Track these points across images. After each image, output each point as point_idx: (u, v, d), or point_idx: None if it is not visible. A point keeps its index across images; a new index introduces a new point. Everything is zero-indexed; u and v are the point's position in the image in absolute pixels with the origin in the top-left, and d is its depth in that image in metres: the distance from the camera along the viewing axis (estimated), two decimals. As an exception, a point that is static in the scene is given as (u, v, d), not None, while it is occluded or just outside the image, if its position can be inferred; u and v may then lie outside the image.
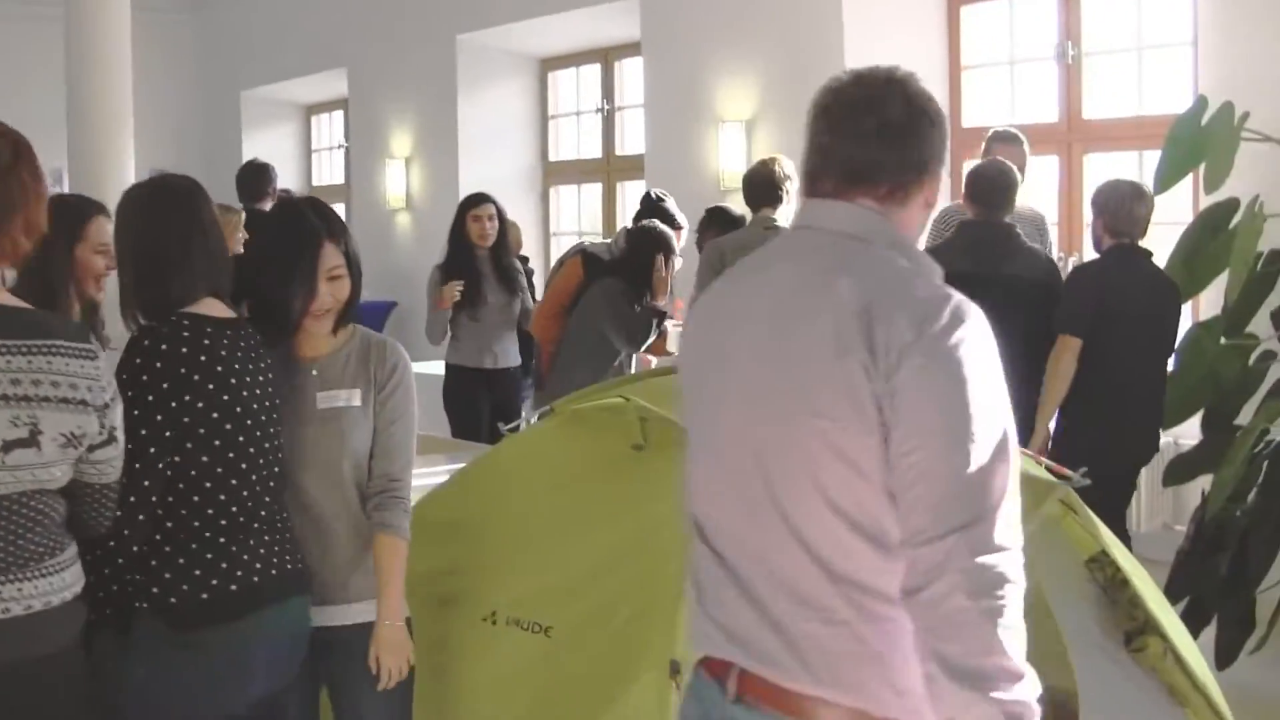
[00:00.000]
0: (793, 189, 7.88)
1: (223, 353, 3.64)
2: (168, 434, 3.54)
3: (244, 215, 8.11)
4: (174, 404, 3.54)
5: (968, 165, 9.56)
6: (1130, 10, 9.08)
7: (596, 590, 4.15)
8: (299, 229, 3.91)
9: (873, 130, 2.66)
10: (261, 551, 3.67)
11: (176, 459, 3.55)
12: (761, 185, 7.86)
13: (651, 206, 8.35)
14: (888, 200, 2.67)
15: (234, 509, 3.64)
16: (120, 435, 3.36)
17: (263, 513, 3.70)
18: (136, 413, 3.49)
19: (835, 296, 2.54)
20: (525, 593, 4.30)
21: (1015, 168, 7.17)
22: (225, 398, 3.61)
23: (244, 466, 3.65)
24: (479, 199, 8.88)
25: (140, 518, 3.53)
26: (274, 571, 3.68)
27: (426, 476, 5.39)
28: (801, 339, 2.57)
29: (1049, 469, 4.41)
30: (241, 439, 3.64)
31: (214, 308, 3.71)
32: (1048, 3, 9.39)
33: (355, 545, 3.92)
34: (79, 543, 3.40)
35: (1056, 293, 6.77)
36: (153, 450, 3.52)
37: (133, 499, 3.49)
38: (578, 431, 4.74)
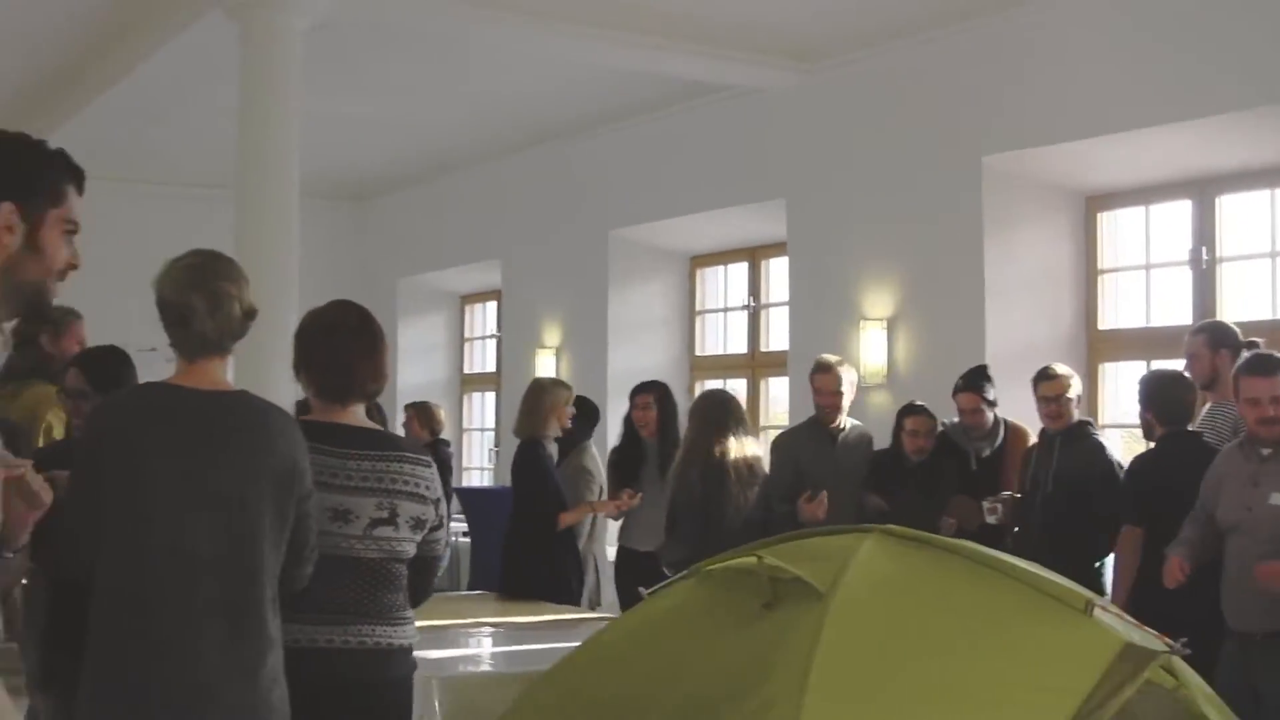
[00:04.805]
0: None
1: None
2: None
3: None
4: None
5: (1104, 368, 9.79)
6: (1264, 215, 9.20)
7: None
8: None
9: None
10: None
11: None
12: None
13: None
14: None
15: None
16: (447, 522, 4.89)
17: None
18: None
19: None
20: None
21: None
22: None
23: None
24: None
25: None
26: None
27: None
28: None
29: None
30: None
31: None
32: (1183, 208, 9.54)
33: None
34: None
35: None
36: None
37: None
38: (712, 590, 4.97)
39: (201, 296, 4.09)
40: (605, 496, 9.38)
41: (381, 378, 4.82)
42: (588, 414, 9.68)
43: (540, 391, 9.04)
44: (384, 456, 4.67)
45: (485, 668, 6.49)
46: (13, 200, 3.04)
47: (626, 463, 9.76)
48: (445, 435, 13.55)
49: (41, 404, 6.99)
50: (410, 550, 4.73)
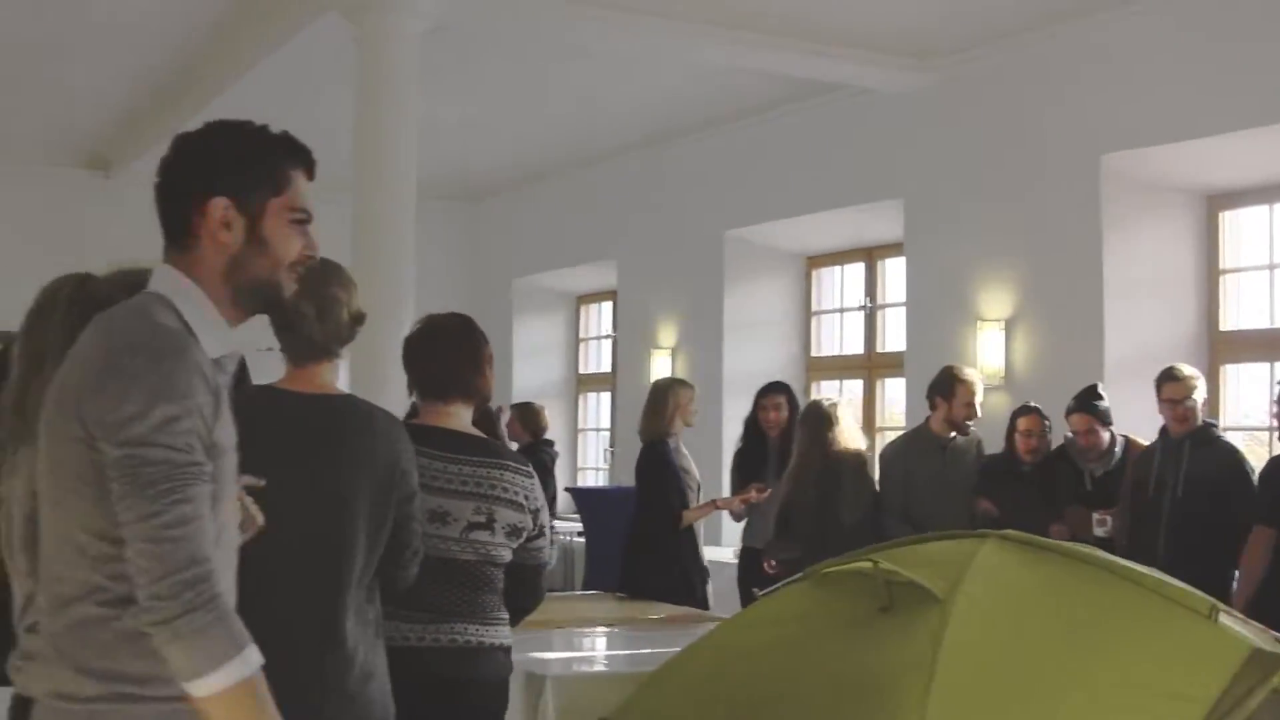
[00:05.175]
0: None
1: None
2: None
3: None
4: None
5: (1226, 369, 9.64)
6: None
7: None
8: None
9: None
10: None
11: None
12: None
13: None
14: None
15: None
16: (549, 531, 4.94)
17: None
18: None
19: None
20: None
21: None
22: None
23: None
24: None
25: None
26: None
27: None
28: None
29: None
30: None
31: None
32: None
33: None
34: None
35: None
36: None
37: None
38: (826, 592, 4.94)
39: (310, 302, 4.08)
40: (702, 493, 9.32)
41: (480, 374, 4.89)
42: None
43: (663, 392, 9.05)
44: (485, 463, 4.76)
45: (599, 667, 6.49)
46: (226, 195, 2.92)
47: (749, 463, 9.78)
48: (556, 435, 13.56)
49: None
50: (505, 555, 4.79)
